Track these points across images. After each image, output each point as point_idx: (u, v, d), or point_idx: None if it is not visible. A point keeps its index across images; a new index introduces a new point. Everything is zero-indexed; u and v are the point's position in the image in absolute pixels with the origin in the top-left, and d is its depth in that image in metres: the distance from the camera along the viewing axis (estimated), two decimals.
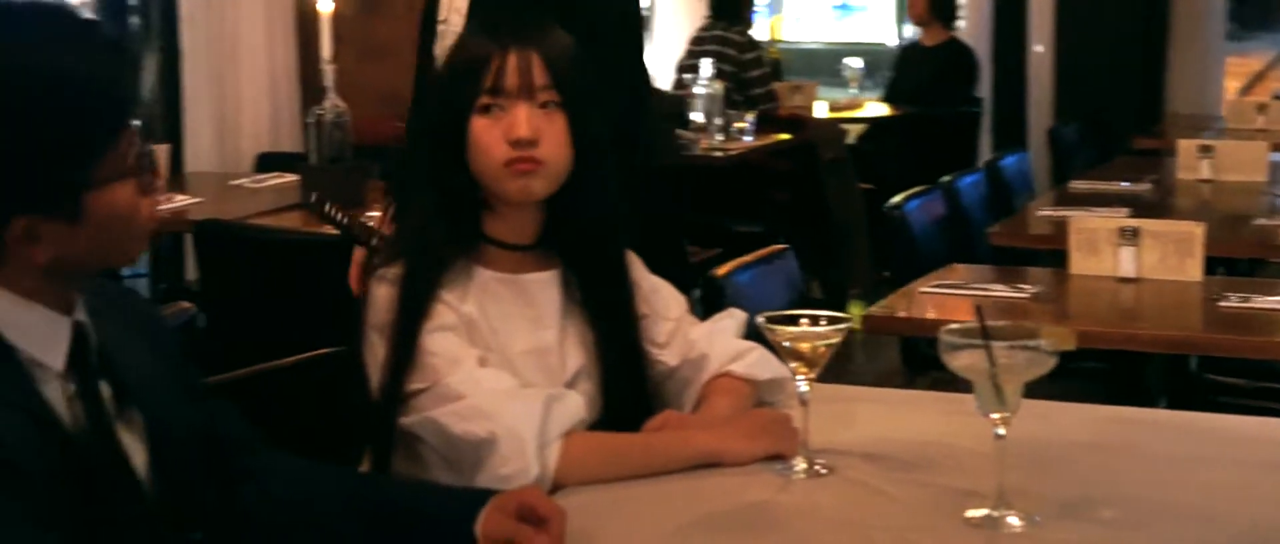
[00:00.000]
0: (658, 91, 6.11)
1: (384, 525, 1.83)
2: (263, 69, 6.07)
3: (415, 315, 2.12)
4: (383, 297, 2.16)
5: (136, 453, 1.71)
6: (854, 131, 8.12)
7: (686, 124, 6.58)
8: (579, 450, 2.03)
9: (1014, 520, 1.83)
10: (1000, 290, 3.47)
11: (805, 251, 6.66)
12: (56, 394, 1.63)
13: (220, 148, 6.01)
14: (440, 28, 2.97)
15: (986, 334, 1.80)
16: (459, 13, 2.96)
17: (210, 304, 3.81)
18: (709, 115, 6.53)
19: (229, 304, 3.92)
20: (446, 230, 2.18)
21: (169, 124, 6.00)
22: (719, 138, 6.51)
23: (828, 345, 2.05)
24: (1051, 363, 1.83)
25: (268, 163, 5.65)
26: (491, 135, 2.12)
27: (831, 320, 2.05)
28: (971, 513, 1.86)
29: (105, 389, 1.70)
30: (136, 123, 1.66)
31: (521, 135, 2.10)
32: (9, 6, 1.64)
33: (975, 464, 1.95)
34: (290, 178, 4.99)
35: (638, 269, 2.33)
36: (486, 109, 2.13)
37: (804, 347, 2.04)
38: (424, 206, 2.20)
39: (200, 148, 5.94)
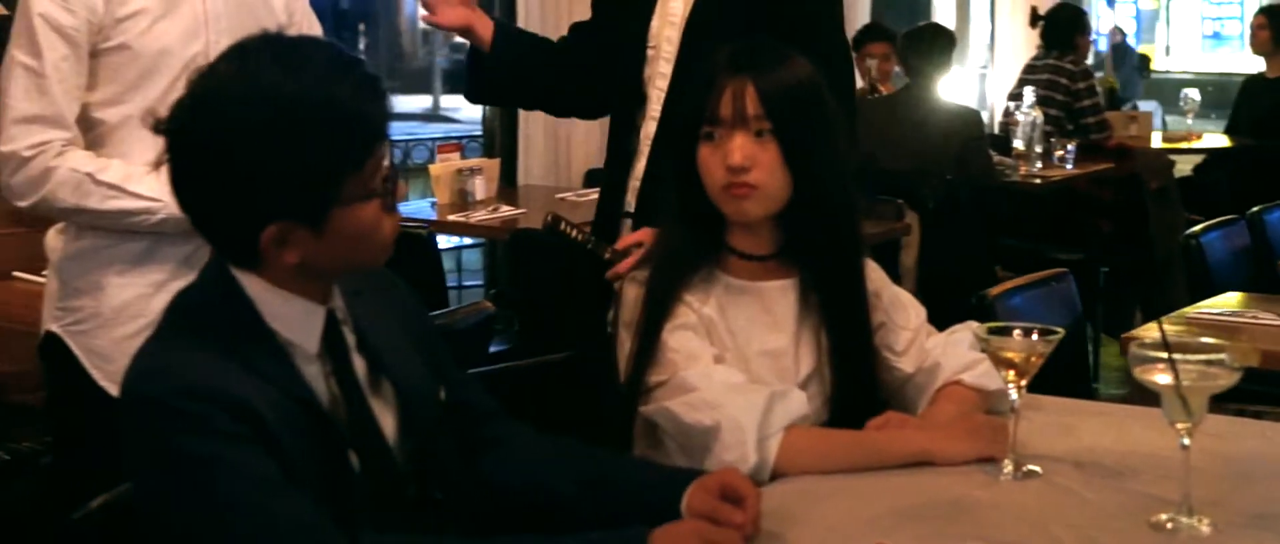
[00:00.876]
0: (966, 113, 6.19)
1: (603, 495, 2.03)
2: None
3: (658, 315, 2.32)
4: (631, 297, 2.37)
5: (387, 421, 1.95)
6: (1191, 162, 8.00)
7: (1008, 150, 6.64)
8: (798, 443, 2.19)
9: (1196, 527, 1.91)
10: (1268, 319, 3.46)
11: (1128, 280, 6.66)
12: (314, 372, 1.87)
13: (553, 164, 6.32)
14: (650, 52, 3.04)
15: (1169, 347, 1.89)
16: (670, 41, 3.02)
17: (519, 304, 4.09)
18: (1029, 142, 6.57)
19: (534, 305, 4.19)
20: (690, 240, 2.37)
21: (506, 141, 6.36)
22: (1038, 165, 6.54)
23: (1038, 355, 2.15)
24: (1234, 377, 1.90)
25: (594, 178, 5.92)
26: (713, 161, 2.30)
27: (1043, 333, 2.16)
28: (1156, 517, 1.94)
29: (360, 364, 1.93)
30: (384, 149, 1.85)
31: (734, 162, 2.27)
32: (293, 41, 1.88)
33: (1176, 474, 2.03)
34: None
35: (878, 279, 2.48)
36: (709, 136, 2.31)
37: (1015, 356, 2.16)
38: (670, 217, 2.41)
39: (533, 163, 6.27)
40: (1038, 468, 2.16)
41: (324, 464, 1.83)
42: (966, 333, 2.47)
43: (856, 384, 2.39)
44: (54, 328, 2.82)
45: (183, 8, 2.78)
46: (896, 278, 4.85)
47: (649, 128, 3.02)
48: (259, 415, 1.75)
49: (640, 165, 3.02)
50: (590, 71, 3.12)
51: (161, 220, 2.70)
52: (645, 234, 2.57)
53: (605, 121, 6.55)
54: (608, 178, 3.18)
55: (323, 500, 1.78)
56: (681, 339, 2.30)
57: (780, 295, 2.39)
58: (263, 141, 1.75)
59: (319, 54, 1.83)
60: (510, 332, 5.30)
